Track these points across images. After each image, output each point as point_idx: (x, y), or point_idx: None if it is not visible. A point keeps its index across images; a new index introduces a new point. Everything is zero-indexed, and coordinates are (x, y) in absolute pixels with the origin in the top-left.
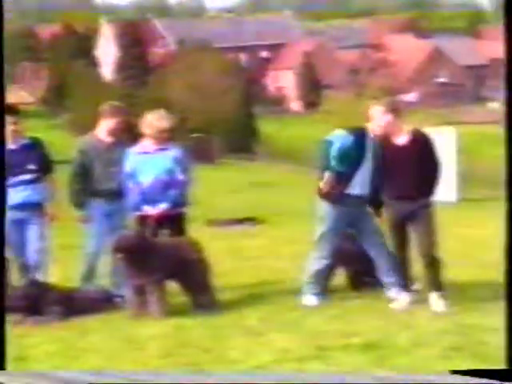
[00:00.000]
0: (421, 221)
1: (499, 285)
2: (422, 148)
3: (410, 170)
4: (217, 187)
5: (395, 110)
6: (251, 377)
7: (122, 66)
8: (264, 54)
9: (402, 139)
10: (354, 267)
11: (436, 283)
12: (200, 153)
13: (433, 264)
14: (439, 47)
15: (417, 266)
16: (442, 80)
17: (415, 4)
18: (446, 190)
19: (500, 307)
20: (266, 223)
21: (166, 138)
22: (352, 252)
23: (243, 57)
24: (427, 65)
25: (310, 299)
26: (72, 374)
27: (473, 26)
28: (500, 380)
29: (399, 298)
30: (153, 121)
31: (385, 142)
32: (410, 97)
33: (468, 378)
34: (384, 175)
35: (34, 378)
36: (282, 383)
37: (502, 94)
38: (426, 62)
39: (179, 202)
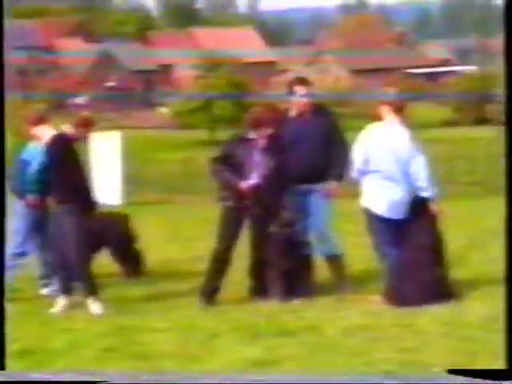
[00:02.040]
0: (58, 226)
1: (155, 287)
2: (59, 153)
3: (55, 175)
4: None
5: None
6: (253, 377)
7: None
8: None
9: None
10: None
11: (90, 287)
12: None
13: (82, 271)
14: (108, 51)
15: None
16: (110, 84)
17: (85, 7)
18: (110, 193)
19: (157, 308)
20: None
21: None
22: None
23: None
24: (96, 69)
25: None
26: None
27: (142, 31)
28: (500, 380)
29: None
30: None
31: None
32: (80, 100)
33: (467, 379)
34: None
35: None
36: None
37: (170, 99)
38: (95, 66)
39: None
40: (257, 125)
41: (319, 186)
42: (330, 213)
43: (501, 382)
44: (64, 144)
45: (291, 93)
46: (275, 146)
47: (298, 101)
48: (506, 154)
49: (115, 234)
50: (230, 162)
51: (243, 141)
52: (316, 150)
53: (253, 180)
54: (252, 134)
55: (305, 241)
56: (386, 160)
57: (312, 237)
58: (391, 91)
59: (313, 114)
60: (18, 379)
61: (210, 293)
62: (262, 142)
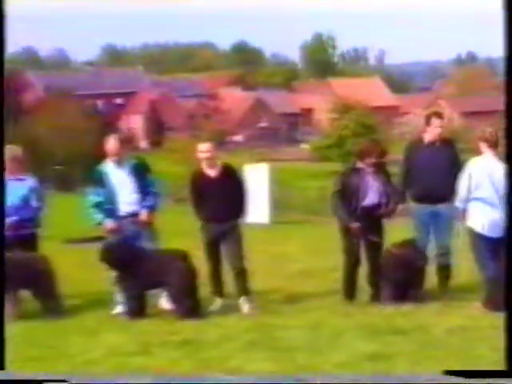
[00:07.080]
0: (230, 239)
1: (295, 291)
2: (230, 179)
3: (221, 197)
4: (75, 211)
5: (206, 150)
6: (254, 377)
7: None
8: (119, 100)
9: (214, 172)
10: None
11: (243, 290)
12: (62, 182)
13: (240, 274)
14: (261, 98)
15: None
16: (262, 125)
17: (242, 62)
18: (260, 213)
19: (295, 309)
20: None
21: (17, 168)
22: None
23: (100, 103)
24: (251, 112)
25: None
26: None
27: (288, 81)
28: (500, 380)
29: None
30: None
31: (200, 174)
32: (237, 138)
33: (467, 379)
34: (202, 202)
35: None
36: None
37: (310, 137)
38: (250, 110)
39: (32, 225)
40: (362, 156)
41: (444, 206)
42: (455, 229)
43: (501, 382)
44: None
45: (428, 123)
46: (382, 170)
47: (433, 131)
48: (507, 159)
49: (173, 273)
50: (346, 191)
51: (354, 170)
52: (443, 174)
53: (368, 201)
54: (359, 164)
55: (423, 255)
56: (487, 187)
57: (433, 249)
58: (488, 130)
59: (442, 143)
60: (18, 379)
61: (349, 292)
62: (369, 169)
